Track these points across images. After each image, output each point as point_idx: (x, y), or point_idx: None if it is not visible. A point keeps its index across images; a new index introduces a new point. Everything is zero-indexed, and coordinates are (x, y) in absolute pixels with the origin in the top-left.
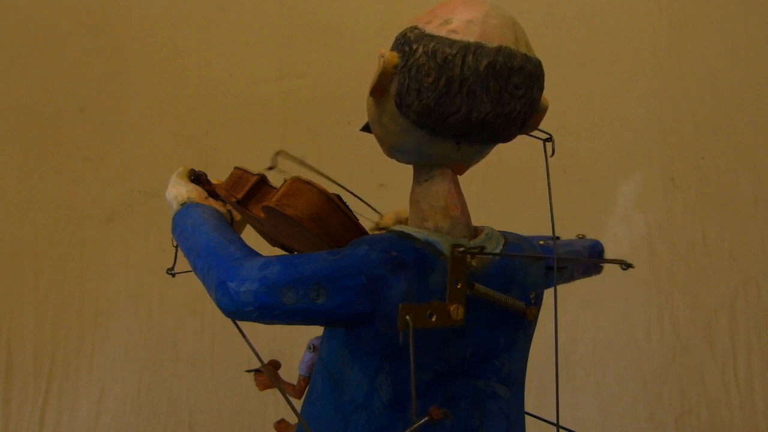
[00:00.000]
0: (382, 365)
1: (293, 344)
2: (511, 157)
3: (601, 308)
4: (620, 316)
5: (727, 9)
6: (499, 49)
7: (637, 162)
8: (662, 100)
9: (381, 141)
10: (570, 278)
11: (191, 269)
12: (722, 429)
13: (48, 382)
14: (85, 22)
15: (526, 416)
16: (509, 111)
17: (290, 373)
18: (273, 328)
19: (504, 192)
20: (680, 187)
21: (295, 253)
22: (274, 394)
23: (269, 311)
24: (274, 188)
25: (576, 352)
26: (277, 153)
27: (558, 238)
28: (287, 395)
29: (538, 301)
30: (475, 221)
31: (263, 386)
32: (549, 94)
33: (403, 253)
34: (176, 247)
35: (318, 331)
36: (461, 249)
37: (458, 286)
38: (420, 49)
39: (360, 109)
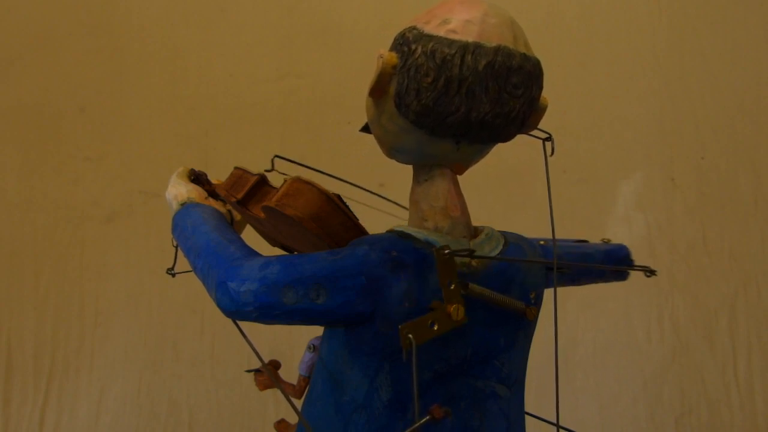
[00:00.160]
0: (382, 365)
1: (293, 344)
2: (511, 157)
3: (601, 309)
4: (620, 316)
5: (727, 9)
6: (498, 49)
7: (637, 162)
8: (662, 100)
9: (380, 141)
10: (574, 281)
11: (191, 269)
12: (722, 429)
13: (48, 382)
14: (85, 22)
15: (526, 416)
16: (508, 110)
17: (290, 373)
18: (273, 328)
19: (504, 192)
20: (680, 187)
21: (295, 253)
22: (274, 394)
23: (269, 311)
24: (274, 188)
25: (576, 353)
26: (274, 158)
27: (570, 240)
28: (287, 395)
29: (538, 301)
30: (475, 221)
31: (263, 386)
32: (549, 93)
33: (403, 253)
34: (176, 247)
35: (318, 331)
36: (446, 252)
37: (452, 287)
38: (419, 50)
39: (360, 109)
